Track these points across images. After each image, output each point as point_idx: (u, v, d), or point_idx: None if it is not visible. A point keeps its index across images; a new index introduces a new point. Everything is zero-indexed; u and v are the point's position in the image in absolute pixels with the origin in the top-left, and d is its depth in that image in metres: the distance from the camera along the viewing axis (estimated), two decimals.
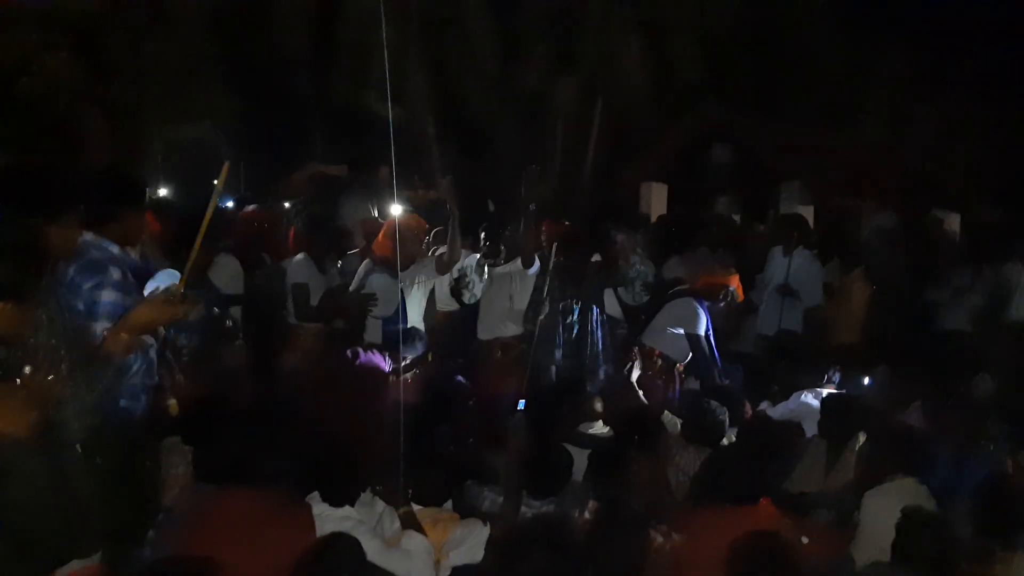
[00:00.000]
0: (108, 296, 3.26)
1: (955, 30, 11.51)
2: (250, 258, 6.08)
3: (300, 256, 5.95)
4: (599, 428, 4.51)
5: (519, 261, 5.66)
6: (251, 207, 7.23)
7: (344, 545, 2.84)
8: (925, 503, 3.47)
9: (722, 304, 5.63)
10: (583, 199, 12.22)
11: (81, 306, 3.20)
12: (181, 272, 2.86)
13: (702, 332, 5.45)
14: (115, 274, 3.28)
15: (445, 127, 12.54)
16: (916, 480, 3.65)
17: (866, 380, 5.22)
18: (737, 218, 9.98)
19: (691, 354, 5.47)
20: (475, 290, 5.68)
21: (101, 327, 3.11)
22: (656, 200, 10.72)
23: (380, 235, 5.76)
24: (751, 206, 10.98)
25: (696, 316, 5.47)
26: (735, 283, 5.73)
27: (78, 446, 2.69)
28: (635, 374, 5.35)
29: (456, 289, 5.67)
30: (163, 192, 9.87)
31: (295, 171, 9.97)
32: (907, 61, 11.83)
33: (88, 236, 3.32)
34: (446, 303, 5.86)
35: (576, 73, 13.66)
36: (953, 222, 9.86)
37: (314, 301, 5.79)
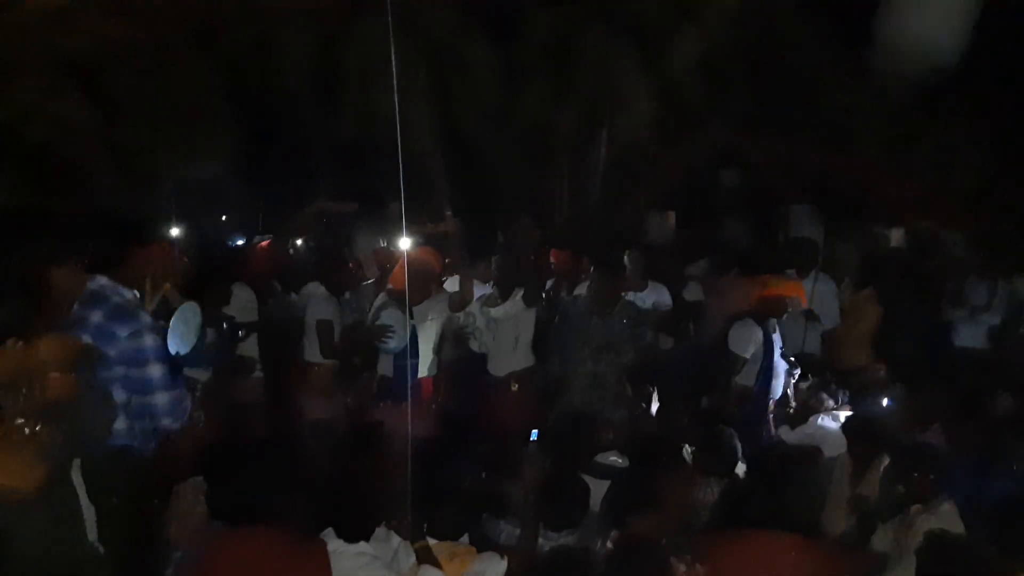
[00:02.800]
0: (151, 341, 3.30)
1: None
2: (262, 287, 6.01)
3: (320, 291, 5.73)
4: (616, 457, 4.45)
5: (520, 300, 5.60)
6: (265, 240, 7.23)
7: None
8: (952, 525, 3.41)
9: (786, 318, 5.30)
10: (591, 227, 12.18)
11: (113, 352, 3.22)
12: (201, 307, 2.87)
13: (747, 354, 5.17)
14: (146, 318, 3.32)
15: (454, 159, 12.58)
16: (945, 501, 3.59)
17: (885, 401, 5.15)
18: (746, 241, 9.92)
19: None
20: (481, 338, 5.65)
21: (157, 371, 3.17)
22: (663, 226, 10.71)
23: (396, 268, 5.72)
24: (760, 229, 10.91)
25: (745, 338, 5.17)
26: (796, 291, 5.37)
27: (82, 491, 2.66)
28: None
29: (462, 336, 5.65)
30: (174, 231, 9.94)
31: (305, 207, 10.01)
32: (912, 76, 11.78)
33: (103, 280, 3.33)
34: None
35: (581, 101, 13.71)
36: (963, 237, 9.75)
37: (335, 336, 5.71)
